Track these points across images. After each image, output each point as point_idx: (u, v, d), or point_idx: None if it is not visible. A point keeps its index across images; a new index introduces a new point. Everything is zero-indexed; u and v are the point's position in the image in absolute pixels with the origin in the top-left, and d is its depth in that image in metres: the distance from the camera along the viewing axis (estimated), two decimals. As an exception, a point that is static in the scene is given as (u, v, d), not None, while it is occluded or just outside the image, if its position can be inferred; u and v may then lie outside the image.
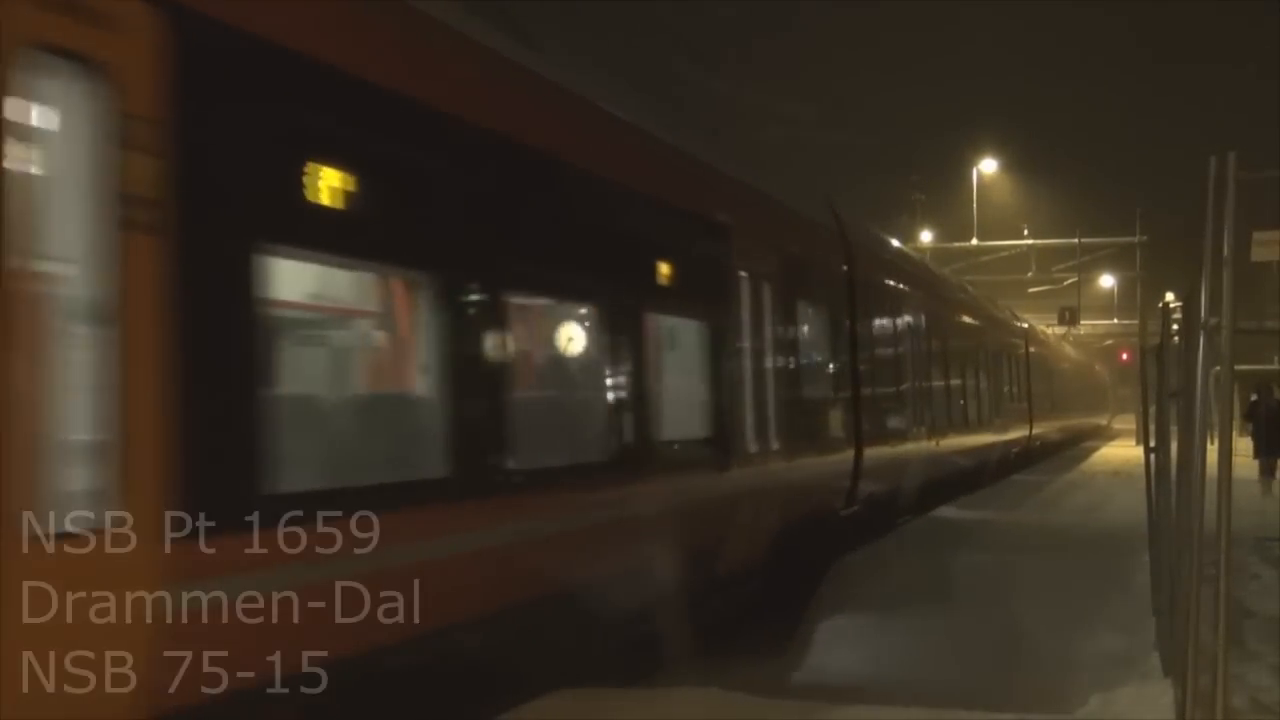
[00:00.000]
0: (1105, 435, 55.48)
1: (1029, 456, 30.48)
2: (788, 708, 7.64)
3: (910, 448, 17.09)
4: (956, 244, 54.09)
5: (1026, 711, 7.44)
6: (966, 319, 24.10)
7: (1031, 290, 56.21)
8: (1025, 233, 56.78)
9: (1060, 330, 51.27)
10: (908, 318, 17.92)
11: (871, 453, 14.45)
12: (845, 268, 14.49)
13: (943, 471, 19.50)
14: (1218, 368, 5.90)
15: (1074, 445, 43.12)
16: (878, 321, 16.32)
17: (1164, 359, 9.64)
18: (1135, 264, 55.82)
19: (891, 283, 17.73)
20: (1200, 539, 5.87)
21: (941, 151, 68.21)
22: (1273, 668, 7.74)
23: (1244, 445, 21.41)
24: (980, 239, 54.28)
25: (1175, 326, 8.86)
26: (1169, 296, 22.53)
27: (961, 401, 21.44)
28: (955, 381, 20.95)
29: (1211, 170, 5.45)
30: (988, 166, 57.32)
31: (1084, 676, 8.32)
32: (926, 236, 54.62)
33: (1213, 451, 5.85)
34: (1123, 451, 36.87)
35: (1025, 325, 34.03)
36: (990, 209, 56.55)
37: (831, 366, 13.79)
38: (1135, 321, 45.10)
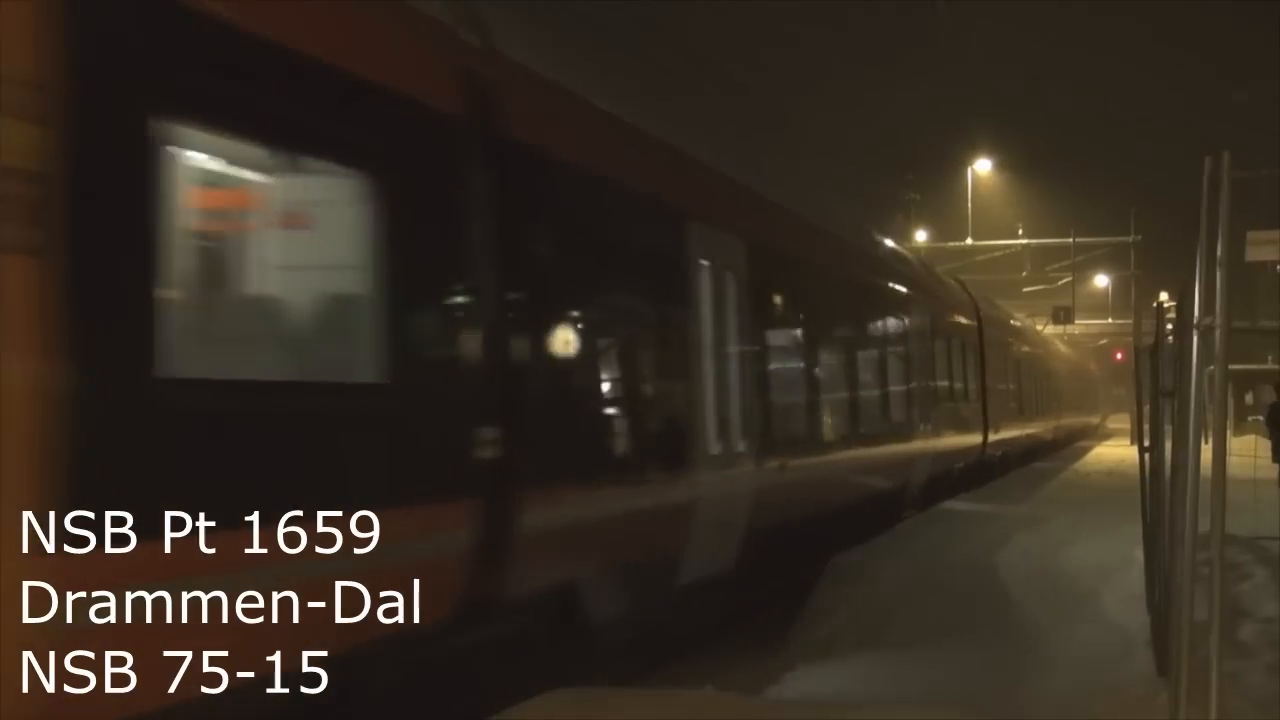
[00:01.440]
0: (1098, 435, 55.40)
1: (985, 471, 23.12)
2: (781, 707, 7.64)
3: (704, 480, 9.78)
4: (951, 244, 54.21)
5: (1020, 712, 7.45)
6: (857, 278, 15.94)
7: (1026, 290, 56.39)
8: (1020, 232, 56.92)
9: (1041, 324, 50.79)
10: (712, 255, 10.31)
11: (552, 499, 7.43)
12: (478, 123, 6.99)
13: (800, 511, 12.20)
14: (1211, 367, 5.91)
15: (1054, 451, 36.76)
16: (602, 247, 8.71)
17: (1158, 359, 9.65)
18: (1130, 263, 55.99)
19: (661, 180, 9.78)
20: (1194, 538, 5.88)
21: (936, 151, 68.22)
22: (1267, 667, 7.74)
23: (1242, 445, 21.35)
24: (975, 239, 54.43)
25: (1170, 326, 8.87)
26: (1163, 296, 22.51)
27: (845, 400, 14.23)
28: (828, 370, 13.84)
29: (1206, 170, 5.45)
30: (982, 166, 57.45)
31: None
32: (921, 236, 54.73)
33: (1207, 451, 5.86)
34: (1117, 451, 36.91)
35: (980, 304, 25.57)
36: (985, 208, 56.68)
37: (402, 325, 6.32)
38: (1130, 321, 45.23)
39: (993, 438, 23.81)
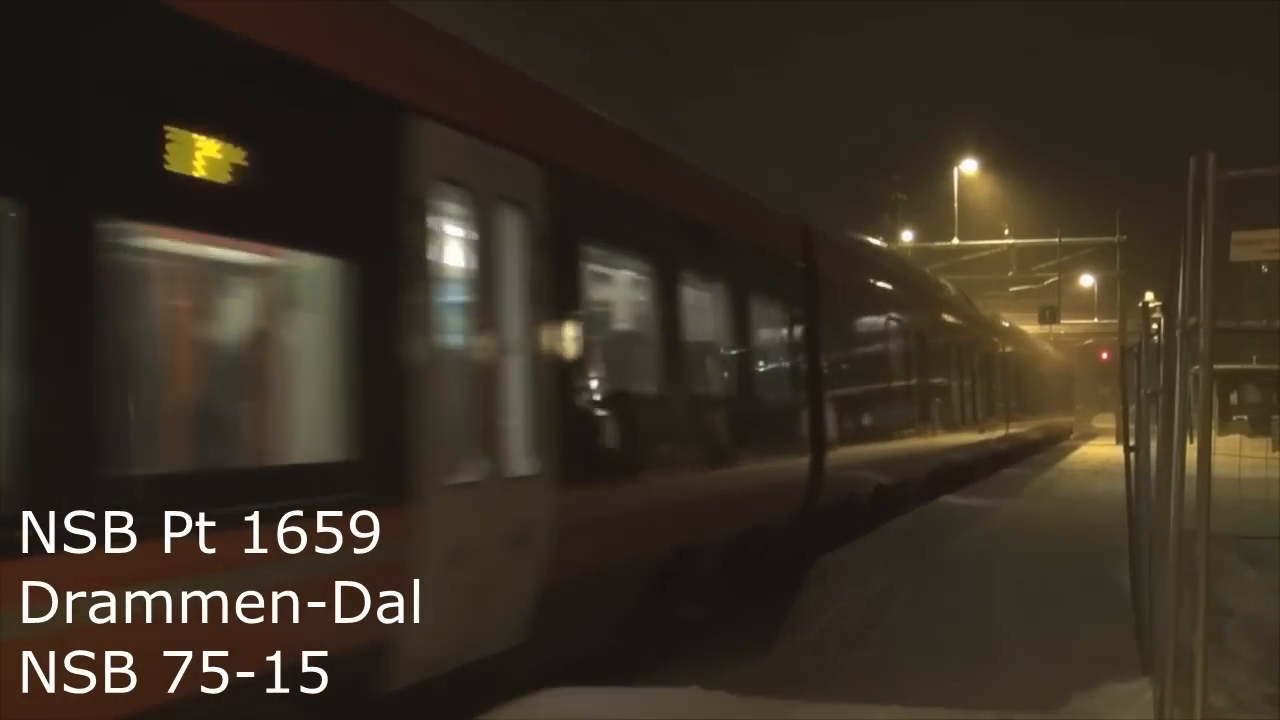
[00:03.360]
0: (1076, 436, 55.22)
1: (821, 537, 12.99)
2: (770, 706, 7.65)
3: None
4: (938, 244, 54.33)
5: (1008, 710, 7.47)
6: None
7: (1012, 289, 56.53)
8: (1006, 232, 57.09)
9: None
10: None
11: None
12: None
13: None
14: (1196, 367, 5.93)
15: (1006, 464, 28.08)
16: None
17: (1143, 358, 9.68)
18: (1115, 263, 56.17)
19: None
20: (1180, 538, 5.90)
21: (923, 151, 68.39)
22: (1251, 666, 7.77)
23: (1227, 445, 21.35)
24: (961, 239, 54.53)
25: (1155, 326, 8.91)
26: (1149, 296, 22.50)
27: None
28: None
29: (1191, 171, 5.47)
30: (969, 166, 57.60)
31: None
32: (908, 236, 54.83)
33: (1192, 450, 5.88)
34: (1103, 450, 37.04)
35: (816, 235, 14.09)
36: (971, 209, 56.84)
37: None
38: (1115, 321, 45.31)
39: (838, 459, 13.58)
